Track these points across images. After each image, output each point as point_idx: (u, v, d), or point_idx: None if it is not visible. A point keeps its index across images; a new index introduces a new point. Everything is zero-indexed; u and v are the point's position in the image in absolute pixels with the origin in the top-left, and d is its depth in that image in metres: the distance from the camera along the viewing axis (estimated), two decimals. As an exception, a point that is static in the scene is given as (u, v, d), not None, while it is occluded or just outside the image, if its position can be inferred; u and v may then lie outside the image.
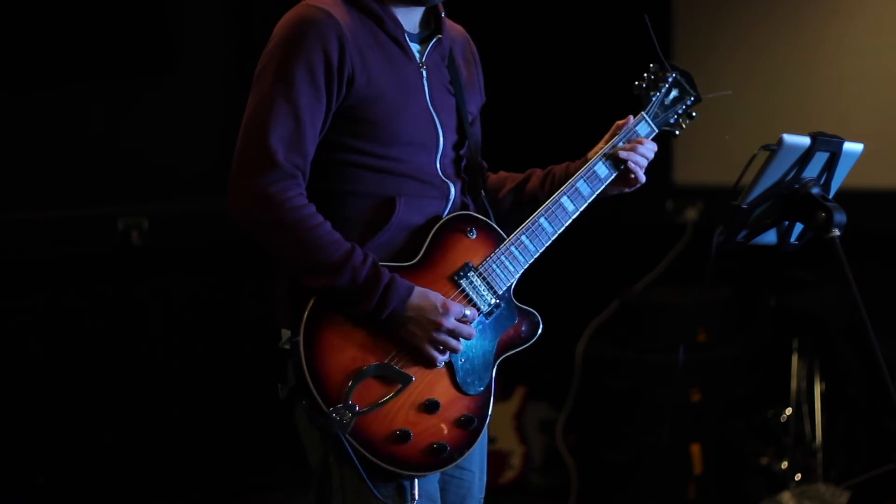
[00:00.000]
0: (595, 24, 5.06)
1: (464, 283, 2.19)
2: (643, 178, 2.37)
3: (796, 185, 2.35)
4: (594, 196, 2.34)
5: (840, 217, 2.30)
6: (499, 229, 2.28)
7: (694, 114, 2.51)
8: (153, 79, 4.33)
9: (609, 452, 4.44)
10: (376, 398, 2.08)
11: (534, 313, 2.29)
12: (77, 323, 4.11)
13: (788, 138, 2.27)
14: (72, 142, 4.15)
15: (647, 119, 2.41)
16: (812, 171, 2.35)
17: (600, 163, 2.34)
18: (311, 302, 2.08)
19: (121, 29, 4.20)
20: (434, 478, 2.22)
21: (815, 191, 2.34)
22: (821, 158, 2.34)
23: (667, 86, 2.45)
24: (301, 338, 2.05)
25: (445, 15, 2.33)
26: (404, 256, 2.18)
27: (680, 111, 2.48)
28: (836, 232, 2.30)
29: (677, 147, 4.97)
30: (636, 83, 2.44)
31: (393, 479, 2.12)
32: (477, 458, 2.35)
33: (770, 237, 2.43)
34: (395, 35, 2.19)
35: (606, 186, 2.36)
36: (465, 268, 2.20)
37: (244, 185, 2.06)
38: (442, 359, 2.13)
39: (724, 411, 4.42)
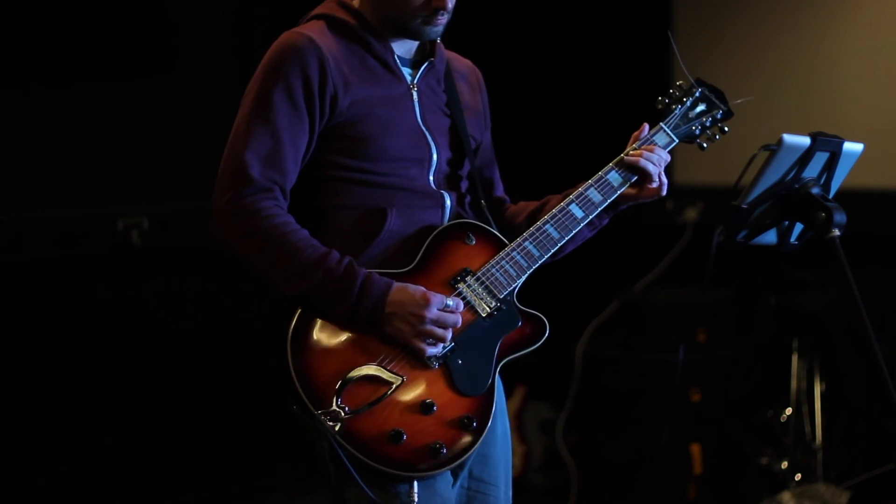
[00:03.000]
0: (607, 42, 5.05)
1: (461, 287, 2.20)
2: (657, 183, 2.35)
3: (796, 185, 2.35)
4: (606, 203, 2.33)
5: (840, 217, 2.30)
6: (500, 236, 2.29)
7: (726, 129, 2.49)
8: (154, 79, 4.33)
9: (609, 452, 4.45)
10: (366, 400, 2.08)
11: (540, 317, 2.29)
12: (77, 323, 4.11)
13: (788, 138, 2.28)
14: (72, 142, 4.14)
15: (666, 129, 2.41)
16: (812, 171, 2.35)
17: (613, 171, 2.34)
18: (299, 310, 2.10)
19: (122, 29, 4.20)
20: (447, 483, 2.22)
21: (815, 191, 2.35)
22: (821, 158, 2.34)
23: (692, 99, 2.45)
24: (288, 343, 2.07)
25: (442, 42, 2.37)
26: (400, 264, 2.19)
27: (707, 123, 2.47)
28: (836, 232, 2.30)
29: (677, 147, 4.96)
30: (660, 98, 2.44)
31: (390, 480, 2.11)
32: (502, 472, 2.39)
33: (770, 237, 2.44)
34: (384, 58, 2.25)
35: (622, 195, 2.35)
36: (463, 273, 2.22)
37: (220, 202, 2.13)
38: (432, 351, 2.12)
39: (724, 411, 4.42)
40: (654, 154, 2.34)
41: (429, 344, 2.11)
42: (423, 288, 2.11)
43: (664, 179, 2.36)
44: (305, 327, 2.10)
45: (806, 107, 4.65)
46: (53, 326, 4.06)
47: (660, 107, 2.44)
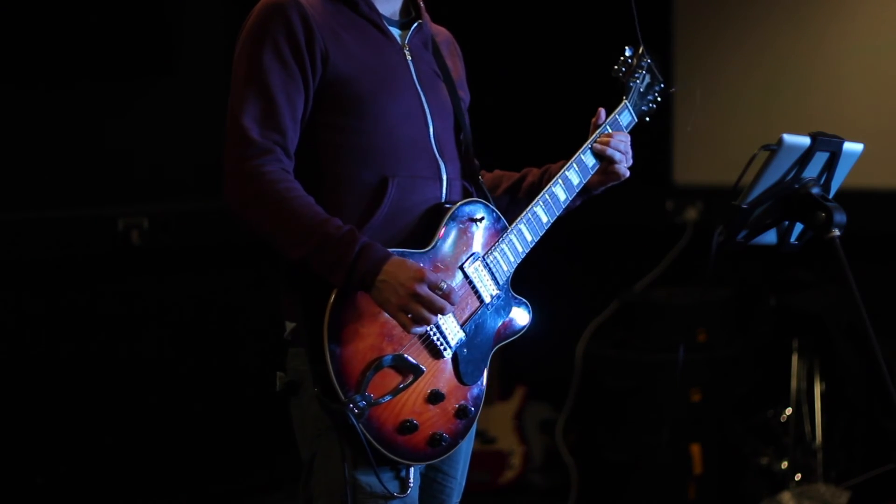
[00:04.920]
0: (584, 19, 5.06)
1: (470, 272, 2.18)
2: (625, 172, 2.38)
3: (796, 185, 2.35)
4: (582, 185, 2.35)
5: (840, 217, 2.30)
6: (502, 217, 2.28)
7: (660, 99, 2.51)
8: (153, 79, 4.33)
9: (609, 452, 4.44)
10: (390, 388, 2.06)
11: (526, 304, 2.29)
12: (77, 323, 4.11)
13: (788, 138, 2.27)
14: (72, 142, 4.15)
15: (630, 108, 2.43)
16: (812, 171, 2.35)
17: (588, 152, 2.35)
18: (336, 290, 2.04)
19: (121, 29, 4.20)
20: (418, 477, 2.22)
21: (815, 191, 2.34)
22: (821, 158, 2.34)
23: (643, 72, 2.46)
24: (326, 324, 2.02)
25: (427, 11, 2.35)
26: (409, 242, 2.15)
27: (651, 97, 2.50)
28: (836, 232, 2.30)
29: (677, 147, 4.97)
30: (615, 67, 2.44)
31: (394, 467, 2.12)
32: (461, 465, 2.36)
33: (770, 237, 2.43)
34: (371, 17, 2.22)
35: (592, 181, 2.37)
36: (473, 257, 2.19)
37: (227, 169, 2.09)
38: (415, 329, 2.05)
39: (724, 411, 4.42)
40: (621, 142, 2.36)
41: (411, 321, 2.03)
42: (421, 265, 2.05)
43: (630, 162, 2.39)
44: (341, 309, 2.04)
45: (806, 107, 4.65)
46: (53, 326, 4.06)
47: (615, 76, 2.44)
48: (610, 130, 2.38)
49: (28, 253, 3.96)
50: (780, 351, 4.32)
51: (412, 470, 2.15)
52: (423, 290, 2.00)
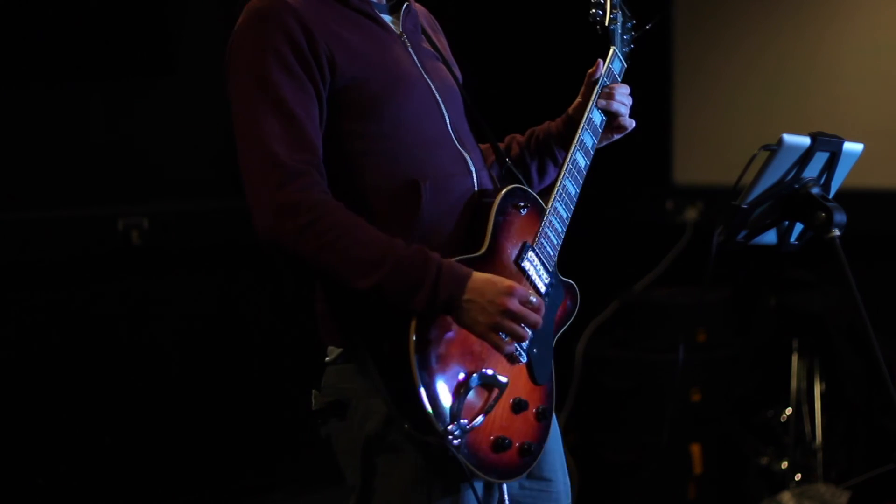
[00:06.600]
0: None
1: (526, 265, 2.02)
2: (631, 124, 2.28)
3: (796, 185, 2.34)
4: (596, 146, 2.22)
5: (840, 217, 2.29)
6: (540, 200, 2.11)
7: (635, 34, 2.40)
8: (153, 79, 4.33)
9: (609, 452, 4.44)
10: (479, 408, 1.91)
11: (572, 284, 2.16)
12: (77, 323, 4.10)
13: (788, 138, 2.27)
14: (72, 142, 4.14)
15: (619, 54, 2.30)
16: (812, 171, 2.35)
17: (595, 110, 2.21)
18: (415, 316, 1.86)
19: (121, 29, 4.20)
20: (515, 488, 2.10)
21: (815, 191, 2.34)
22: (821, 158, 2.34)
23: (617, 12, 2.33)
24: (412, 354, 1.84)
25: None
26: (458, 247, 1.98)
27: (628, 37, 2.37)
28: (836, 232, 2.29)
29: (677, 147, 4.97)
30: (591, 12, 2.31)
31: (487, 487, 1.99)
32: (559, 465, 2.19)
33: (770, 237, 2.43)
34: (363, 9, 2.04)
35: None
36: (525, 248, 2.03)
37: (261, 201, 1.87)
38: (508, 348, 1.90)
39: (724, 411, 4.42)
40: (623, 94, 2.25)
41: (505, 340, 1.88)
42: (507, 280, 1.88)
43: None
44: (422, 335, 1.86)
45: (806, 107, 4.65)
46: (53, 326, 4.06)
47: (592, 20, 2.30)
48: (608, 82, 2.25)
49: (28, 253, 3.96)
50: (780, 351, 4.32)
51: (505, 486, 2.02)
52: (515, 305, 1.86)
